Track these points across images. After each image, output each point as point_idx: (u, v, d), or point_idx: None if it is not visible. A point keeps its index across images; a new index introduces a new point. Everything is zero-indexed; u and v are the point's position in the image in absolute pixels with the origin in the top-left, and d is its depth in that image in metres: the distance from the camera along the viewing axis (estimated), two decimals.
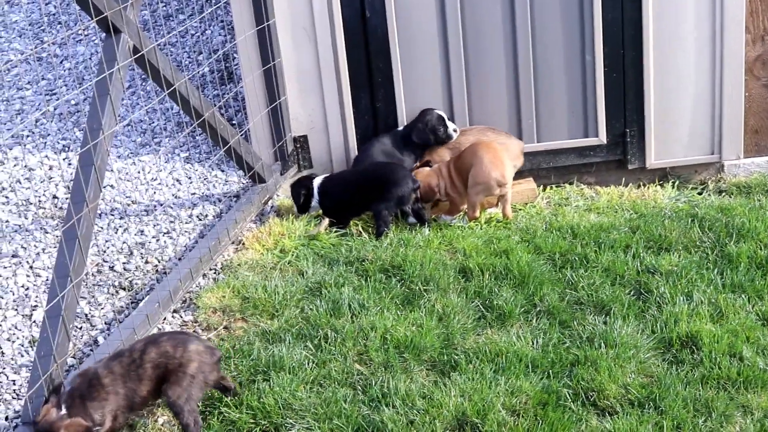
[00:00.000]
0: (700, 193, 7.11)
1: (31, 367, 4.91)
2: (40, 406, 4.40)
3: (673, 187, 7.17)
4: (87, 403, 4.41)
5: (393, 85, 7.00)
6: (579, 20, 6.86)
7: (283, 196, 7.00)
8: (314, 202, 6.63)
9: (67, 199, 6.77)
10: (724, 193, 7.07)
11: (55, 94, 8.35)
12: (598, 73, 6.96)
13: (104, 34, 5.32)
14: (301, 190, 6.64)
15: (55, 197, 6.85)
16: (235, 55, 8.27)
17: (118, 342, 5.04)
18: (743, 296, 5.48)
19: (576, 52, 6.95)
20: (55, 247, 6.25)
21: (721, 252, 5.96)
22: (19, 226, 6.53)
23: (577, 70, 6.99)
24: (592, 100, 7.04)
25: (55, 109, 8.07)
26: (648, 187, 7.18)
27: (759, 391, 4.72)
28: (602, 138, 7.14)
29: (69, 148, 7.51)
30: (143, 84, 8.26)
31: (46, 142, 7.59)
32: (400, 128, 7.03)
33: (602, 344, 5.05)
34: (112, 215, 6.64)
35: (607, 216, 6.64)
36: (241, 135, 6.66)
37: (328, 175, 6.79)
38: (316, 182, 6.64)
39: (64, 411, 4.34)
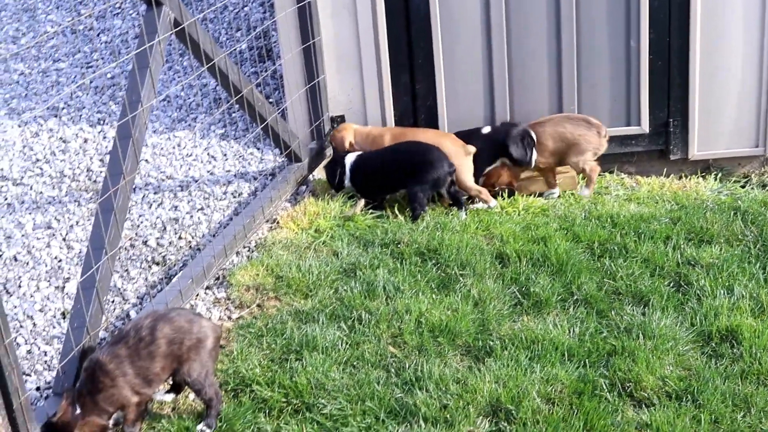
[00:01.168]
0: (743, 187, 7.06)
1: (62, 339, 4.97)
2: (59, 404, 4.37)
3: (715, 180, 7.12)
4: (96, 398, 4.31)
5: (433, 67, 6.98)
6: (625, 5, 6.81)
7: (319, 176, 7.01)
8: (347, 180, 6.63)
9: (101, 172, 6.82)
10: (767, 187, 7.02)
11: (91, 66, 8.40)
12: (642, 60, 6.91)
13: (145, 6, 5.34)
14: (336, 167, 6.66)
15: (89, 170, 6.90)
16: (273, 32, 8.28)
17: None
18: None
19: (621, 38, 6.90)
20: (88, 220, 6.30)
21: (763, 246, 5.91)
22: (54, 198, 6.59)
23: (621, 56, 6.95)
24: (635, 87, 6.99)
25: (91, 82, 8.12)
26: (690, 179, 7.14)
27: None
28: (644, 127, 7.09)
29: (104, 121, 7.55)
30: (180, 59, 8.29)
31: (81, 115, 7.65)
32: (486, 130, 6.97)
33: (640, 335, 5.04)
34: (147, 190, 6.68)
35: (648, 206, 6.60)
36: (279, 113, 6.67)
37: (360, 152, 6.78)
38: (348, 159, 6.65)
39: (78, 411, 4.30)
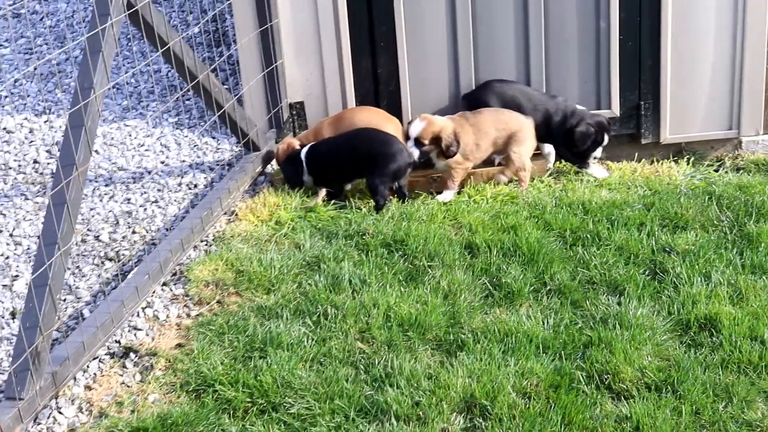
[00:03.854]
0: (716, 170, 7.11)
1: (12, 340, 4.90)
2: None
3: (688, 164, 7.17)
4: None
5: (396, 51, 6.95)
6: None
7: (277, 166, 6.97)
8: (305, 175, 6.59)
9: (49, 164, 6.74)
10: (741, 171, 7.07)
11: (35, 53, 8.28)
12: (613, 41, 6.93)
13: None
14: (293, 164, 6.60)
15: (36, 162, 6.81)
16: (227, 15, 8.23)
17: (106, 315, 5.02)
18: (764, 278, 5.47)
19: (590, 19, 6.92)
20: (36, 215, 6.22)
21: (740, 232, 5.96)
22: None
23: (591, 37, 6.96)
24: (605, 70, 7.02)
25: (35, 69, 8.01)
26: (662, 163, 7.17)
27: None
28: (615, 110, 7.12)
29: (50, 110, 7.46)
30: (128, 44, 8.21)
31: (25, 104, 7.54)
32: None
33: (617, 325, 5.05)
34: (97, 182, 6.60)
35: (620, 192, 6.63)
36: (235, 99, 6.62)
37: (314, 143, 6.74)
38: (303, 152, 6.62)
39: None
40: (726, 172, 7.06)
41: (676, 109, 7.14)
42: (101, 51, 5.01)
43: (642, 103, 7.12)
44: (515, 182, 6.80)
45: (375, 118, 6.72)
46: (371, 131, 6.60)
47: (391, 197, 6.48)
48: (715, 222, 6.10)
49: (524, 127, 6.76)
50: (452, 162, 6.63)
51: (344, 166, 6.51)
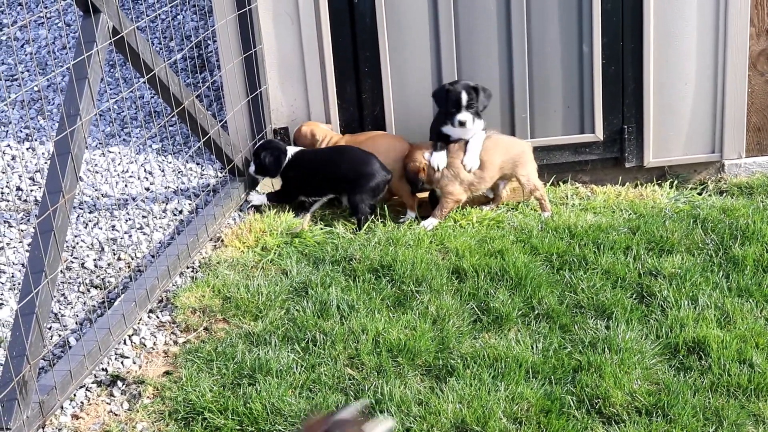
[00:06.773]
0: (699, 194, 7.15)
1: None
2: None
3: (671, 187, 7.20)
4: None
5: (380, 76, 6.98)
6: (577, 8, 6.87)
7: (264, 190, 6.96)
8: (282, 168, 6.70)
9: (32, 191, 6.70)
10: (725, 194, 7.11)
11: (16, 79, 8.25)
12: (596, 65, 6.97)
13: (82, 14, 5.25)
14: (275, 156, 6.68)
15: (19, 189, 6.76)
16: (209, 42, 8.22)
17: (93, 343, 4.98)
18: (751, 300, 5.51)
19: (573, 43, 6.96)
20: (20, 242, 6.18)
21: (725, 255, 5.99)
22: None
23: (573, 62, 7.00)
24: (589, 94, 7.05)
25: (16, 96, 7.97)
26: (646, 187, 7.21)
27: None
28: (599, 134, 7.16)
29: (33, 137, 7.42)
30: (111, 71, 8.19)
31: (7, 131, 7.50)
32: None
33: (605, 349, 5.06)
34: (81, 209, 6.56)
35: (605, 216, 6.65)
36: (220, 125, 6.62)
37: (301, 149, 6.83)
38: (291, 149, 6.73)
39: None
40: (709, 195, 7.10)
41: (659, 133, 7.18)
42: (87, 77, 5.00)
43: (625, 127, 7.15)
44: (514, 207, 6.83)
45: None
46: (353, 148, 6.72)
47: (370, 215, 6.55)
48: (700, 245, 6.12)
49: (525, 149, 6.80)
50: (445, 191, 6.62)
51: (322, 176, 6.65)
